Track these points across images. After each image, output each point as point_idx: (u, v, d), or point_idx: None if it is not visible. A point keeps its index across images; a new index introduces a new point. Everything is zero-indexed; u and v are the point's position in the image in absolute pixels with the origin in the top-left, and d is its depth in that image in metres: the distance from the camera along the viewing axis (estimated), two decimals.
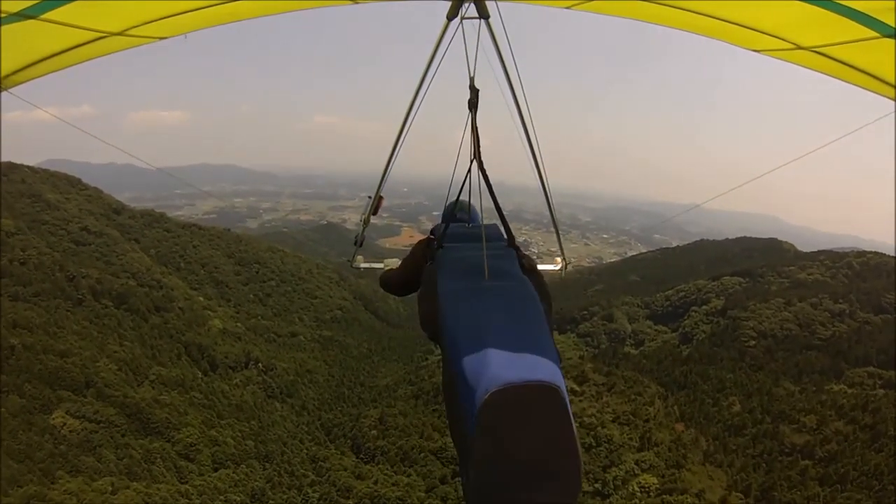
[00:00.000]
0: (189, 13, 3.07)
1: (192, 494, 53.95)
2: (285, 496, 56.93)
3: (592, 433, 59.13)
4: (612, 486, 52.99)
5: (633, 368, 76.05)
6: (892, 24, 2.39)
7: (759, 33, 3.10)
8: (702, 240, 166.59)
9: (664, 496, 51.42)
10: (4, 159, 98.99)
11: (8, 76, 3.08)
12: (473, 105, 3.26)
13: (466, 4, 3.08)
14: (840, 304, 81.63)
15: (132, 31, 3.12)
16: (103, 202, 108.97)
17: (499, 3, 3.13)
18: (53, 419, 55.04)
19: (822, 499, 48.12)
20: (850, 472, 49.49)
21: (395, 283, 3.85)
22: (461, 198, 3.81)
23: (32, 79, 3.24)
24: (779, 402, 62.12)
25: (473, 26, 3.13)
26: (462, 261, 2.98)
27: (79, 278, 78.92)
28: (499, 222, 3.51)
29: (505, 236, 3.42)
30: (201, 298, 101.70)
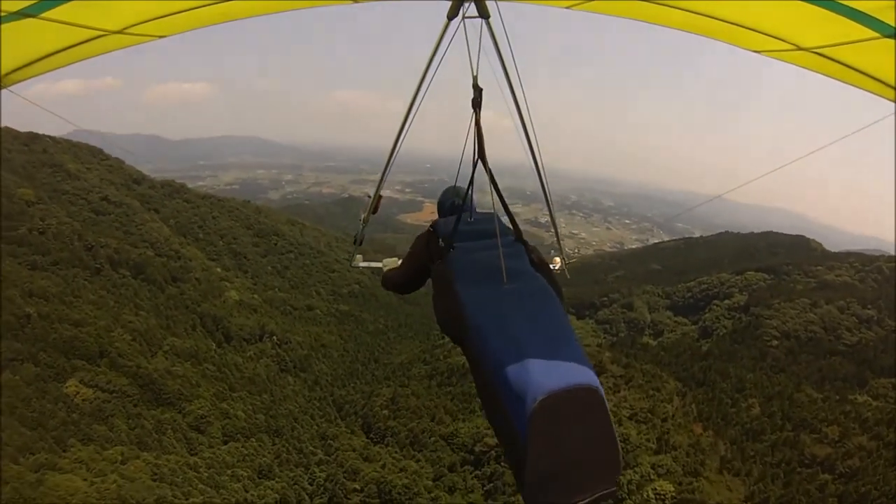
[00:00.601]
0: (187, 12, 3.12)
1: (201, 467, 54.96)
2: (292, 474, 57.58)
3: None
4: (625, 490, 51.67)
5: (652, 361, 74.50)
6: (893, 24, 2.40)
7: (759, 34, 3.13)
8: (726, 232, 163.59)
9: None
10: (29, 129, 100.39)
11: (8, 74, 3.15)
12: (477, 104, 3.29)
13: (467, 4, 3.10)
14: (868, 309, 78.67)
15: (131, 30, 3.16)
16: (124, 172, 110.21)
17: (499, 3, 3.15)
18: (67, 388, 56.37)
19: None
20: (871, 491, 47.11)
21: (399, 282, 3.89)
22: (457, 185, 3.94)
23: (33, 76, 3.30)
24: (800, 409, 60.11)
25: (475, 26, 3.14)
26: (477, 263, 3.01)
27: (97, 248, 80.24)
28: (505, 218, 3.58)
29: (511, 228, 3.49)
30: (219, 269, 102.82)
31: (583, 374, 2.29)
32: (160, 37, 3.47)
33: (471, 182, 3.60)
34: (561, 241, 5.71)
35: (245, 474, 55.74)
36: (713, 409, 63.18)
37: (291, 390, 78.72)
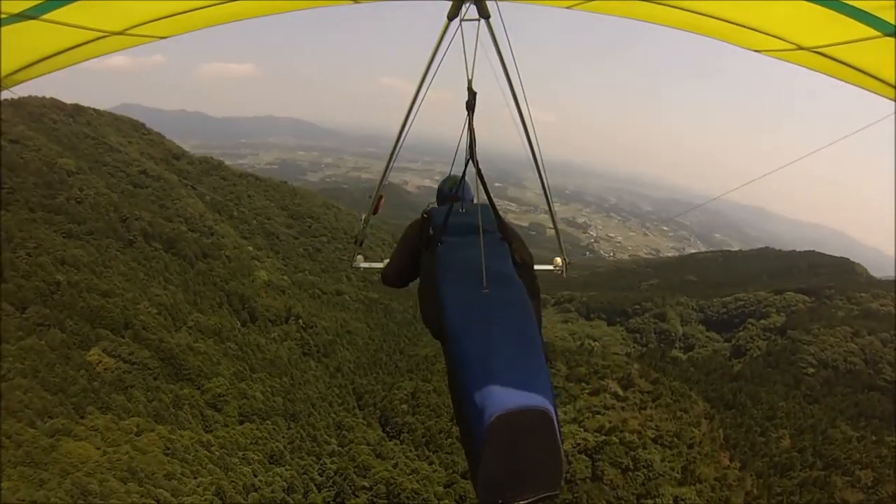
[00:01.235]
0: (189, 13, 3.15)
1: (213, 446, 55.21)
2: (303, 462, 57.17)
3: (632, 454, 55.61)
4: None
5: (680, 377, 72.70)
6: (893, 22, 2.42)
7: (759, 33, 3.16)
8: (766, 247, 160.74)
9: None
10: (74, 101, 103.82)
11: (9, 75, 3.19)
12: (471, 107, 3.33)
13: (467, 4, 3.12)
14: None
15: (132, 31, 3.18)
16: (164, 147, 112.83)
17: (499, 3, 3.16)
18: (90, 356, 57.60)
19: None
20: None
21: (394, 273, 3.88)
22: (453, 174, 4.02)
23: (34, 77, 3.34)
24: (833, 447, 56.77)
25: (474, 28, 3.20)
26: (460, 262, 3.14)
27: (132, 220, 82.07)
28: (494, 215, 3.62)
29: (496, 224, 3.50)
30: (250, 248, 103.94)
31: (537, 397, 2.46)
32: (161, 38, 3.53)
33: (463, 175, 3.71)
34: (561, 242, 5.57)
35: (256, 458, 55.67)
36: (741, 436, 60.69)
37: (312, 375, 78.64)
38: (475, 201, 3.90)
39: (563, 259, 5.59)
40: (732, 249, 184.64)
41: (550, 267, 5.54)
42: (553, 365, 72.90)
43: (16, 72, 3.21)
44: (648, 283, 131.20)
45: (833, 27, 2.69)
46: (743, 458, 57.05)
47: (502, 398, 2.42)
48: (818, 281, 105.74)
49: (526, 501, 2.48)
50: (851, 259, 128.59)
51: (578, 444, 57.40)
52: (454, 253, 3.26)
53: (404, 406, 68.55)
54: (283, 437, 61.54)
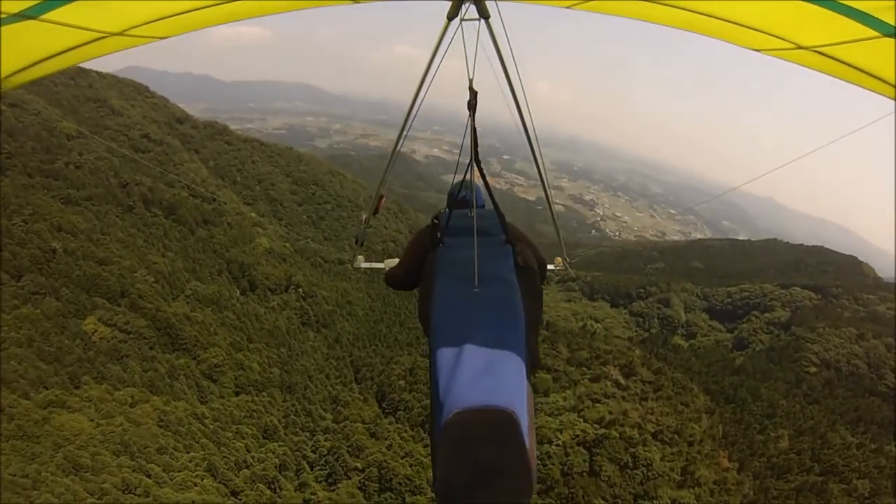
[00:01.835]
0: (189, 13, 3.15)
1: (207, 418, 55.35)
2: (297, 438, 57.24)
3: (631, 451, 55.11)
4: None
5: (682, 366, 71.89)
6: (892, 23, 2.44)
7: (759, 33, 3.16)
8: (775, 239, 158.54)
9: None
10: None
11: (8, 77, 3.15)
12: (472, 107, 3.35)
13: (467, 4, 3.14)
14: None
15: (131, 32, 3.18)
16: (168, 111, 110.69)
17: (499, 3, 3.21)
18: (86, 325, 57.36)
19: None
20: None
21: (400, 277, 3.86)
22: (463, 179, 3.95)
23: (33, 79, 3.33)
24: (831, 452, 55.78)
25: (474, 27, 3.25)
26: (458, 262, 3.12)
27: (132, 185, 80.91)
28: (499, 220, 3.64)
29: (502, 226, 3.49)
30: (253, 215, 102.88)
31: (504, 396, 2.34)
32: (161, 38, 3.51)
33: (463, 179, 3.72)
34: (562, 243, 5.58)
35: (250, 432, 55.82)
36: (740, 433, 59.97)
37: (310, 346, 78.53)
38: (486, 206, 3.95)
39: (564, 259, 5.56)
40: (740, 238, 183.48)
41: (551, 267, 5.54)
42: (555, 347, 72.68)
43: (15, 73, 3.17)
44: (654, 266, 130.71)
45: (833, 27, 2.70)
46: (741, 458, 56.49)
47: (463, 395, 2.32)
48: (825, 278, 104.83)
49: None
50: (860, 258, 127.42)
51: (577, 436, 57.06)
52: (452, 253, 3.27)
53: (402, 382, 68.33)
54: (279, 410, 61.65)
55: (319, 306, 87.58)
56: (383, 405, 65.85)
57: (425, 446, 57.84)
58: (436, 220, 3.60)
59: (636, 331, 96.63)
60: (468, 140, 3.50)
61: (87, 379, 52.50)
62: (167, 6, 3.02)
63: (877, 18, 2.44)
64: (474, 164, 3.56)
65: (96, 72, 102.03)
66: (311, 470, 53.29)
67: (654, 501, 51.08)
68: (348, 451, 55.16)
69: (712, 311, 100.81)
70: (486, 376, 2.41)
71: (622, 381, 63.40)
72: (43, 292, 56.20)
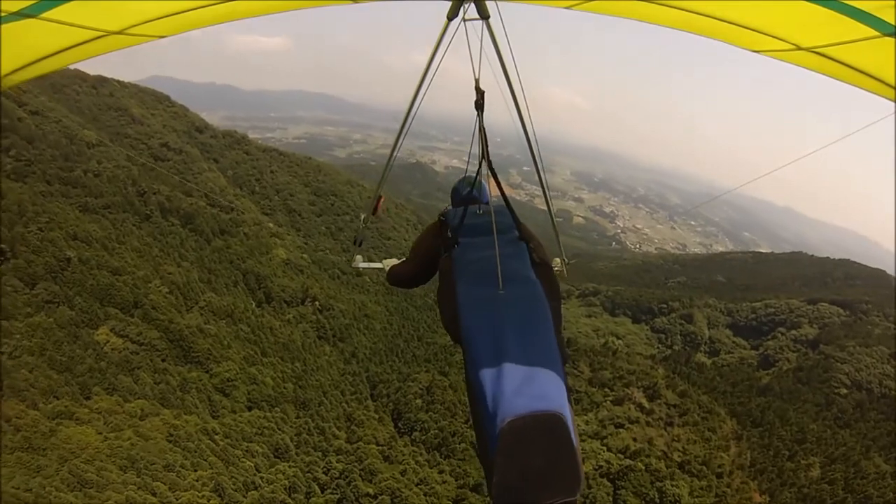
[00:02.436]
0: (189, 12, 3.18)
1: (218, 434, 54.74)
2: (308, 458, 56.15)
3: (658, 485, 52.77)
4: None
5: (706, 386, 70.83)
6: (892, 23, 2.45)
7: (758, 34, 3.18)
8: (799, 252, 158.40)
9: None
10: (99, 73, 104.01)
11: (7, 75, 3.19)
12: (480, 106, 3.43)
13: (467, 5, 3.18)
14: None
15: (131, 30, 3.21)
16: (188, 120, 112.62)
17: (499, 3, 3.24)
18: (98, 335, 57.57)
19: None
20: None
21: (406, 274, 3.93)
22: (468, 175, 4.11)
23: (33, 77, 3.36)
24: (865, 483, 52.71)
25: (476, 27, 3.29)
26: (478, 263, 3.17)
27: (149, 194, 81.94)
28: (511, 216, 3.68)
29: (514, 224, 3.55)
30: (271, 225, 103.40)
31: (552, 400, 2.47)
32: (160, 37, 3.54)
33: (477, 174, 3.85)
34: (560, 243, 5.49)
35: (260, 450, 54.97)
36: (769, 460, 57.70)
37: (326, 361, 77.82)
38: (490, 202, 3.92)
39: (563, 259, 5.56)
40: (762, 251, 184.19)
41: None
42: (576, 366, 70.94)
43: (15, 71, 3.20)
44: (675, 280, 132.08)
45: (832, 27, 2.72)
46: (771, 488, 53.85)
47: (514, 402, 2.43)
48: (853, 293, 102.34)
49: None
50: (888, 272, 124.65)
51: (601, 467, 55.09)
52: (470, 254, 3.28)
53: (418, 401, 67.04)
54: (291, 427, 60.79)
55: (336, 319, 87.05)
56: (399, 425, 64.57)
57: (440, 472, 56.33)
58: (443, 218, 3.62)
59: (658, 347, 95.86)
60: (480, 141, 3.60)
61: (97, 390, 52.49)
62: (167, 5, 3.04)
63: (876, 17, 2.42)
64: (486, 163, 3.65)
65: (118, 81, 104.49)
66: (322, 493, 51.96)
67: None
68: (361, 475, 53.76)
69: (736, 328, 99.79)
70: (530, 381, 2.50)
71: (646, 404, 61.66)
72: (56, 301, 56.64)
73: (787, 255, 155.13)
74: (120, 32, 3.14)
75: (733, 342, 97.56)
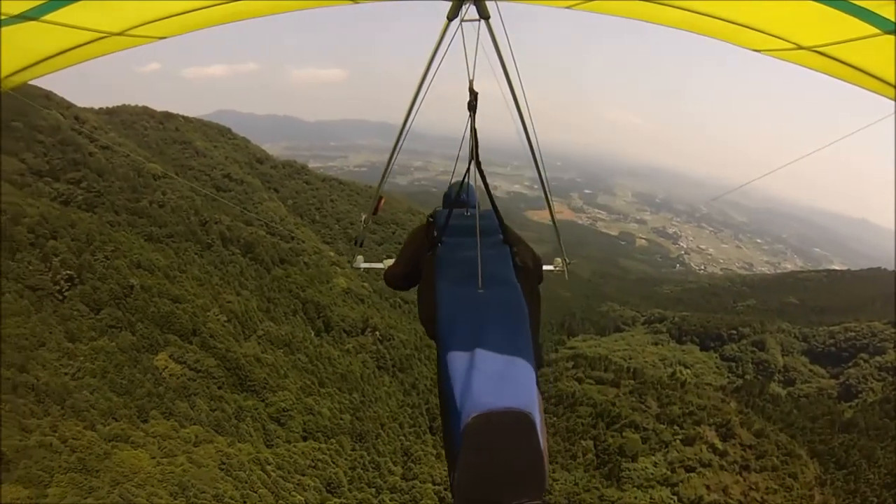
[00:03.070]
0: (188, 13, 3.27)
1: (270, 464, 55.14)
2: (360, 495, 55.37)
3: None
4: None
5: (782, 420, 67.44)
6: (893, 20, 2.50)
7: (759, 33, 3.25)
8: (878, 268, 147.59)
9: None
10: (168, 109, 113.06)
11: (8, 76, 3.30)
12: (472, 108, 3.60)
13: (467, 5, 3.26)
14: None
15: (132, 32, 3.32)
16: (249, 151, 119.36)
17: (499, 3, 3.32)
18: (157, 360, 60.38)
19: None
20: None
21: (397, 273, 4.06)
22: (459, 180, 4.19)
23: (33, 78, 3.50)
24: None
25: (474, 28, 3.40)
26: (459, 263, 3.30)
27: (211, 223, 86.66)
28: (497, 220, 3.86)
29: (499, 227, 3.73)
30: (331, 254, 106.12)
31: (519, 398, 2.50)
32: (160, 38, 3.63)
33: (465, 176, 3.90)
34: (561, 243, 5.74)
35: (312, 484, 54.72)
36: None
37: (385, 392, 77.51)
38: (479, 206, 4.14)
39: (564, 259, 5.65)
40: (836, 268, 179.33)
41: (551, 267, 5.57)
42: (643, 400, 68.73)
43: (16, 73, 3.31)
44: (744, 303, 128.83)
45: (833, 25, 2.75)
46: None
47: (481, 397, 2.46)
48: None
49: None
50: None
51: None
52: (453, 254, 3.43)
53: None
54: (345, 460, 60.37)
55: (396, 350, 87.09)
56: None
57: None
58: (431, 219, 3.83)
59: (729, 377, 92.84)
60: (471, 143, 3.79)
61: (154, 413, 54.67)
62: (167, 6, 3.13)
63: (877, 14, 2.46)
64: (474, 165, 3.80)
65: (183, 116, 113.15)
66: None
67: None
68: None
69: (813, 354, 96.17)
70: (500, 379, 2.56)
71: (719, 444, 57.82)
72: (119, 326, 60.15)
73: (866, 271, 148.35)
74: (121, 34, 3.27)
75: (810, 370, 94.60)
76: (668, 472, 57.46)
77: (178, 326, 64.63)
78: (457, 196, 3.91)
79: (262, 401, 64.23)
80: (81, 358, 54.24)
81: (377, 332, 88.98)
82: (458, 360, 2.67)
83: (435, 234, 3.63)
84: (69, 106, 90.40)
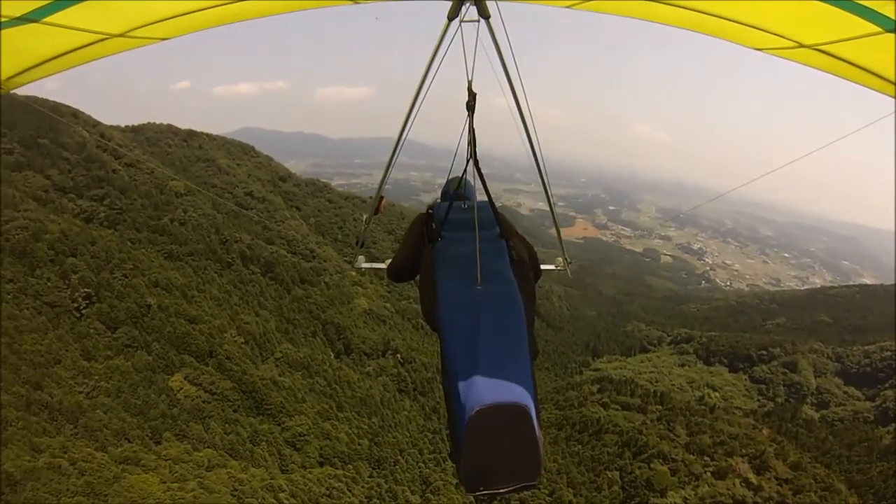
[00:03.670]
0: (189, 14, 3.35)
1: (284, 491, 54.78)
2: None
3: None
4: None
5: (818, 449, 66.92)
6: (894, 18, 2.56)
7: (761, 32, 3.34)
8: None
9: None
10: (196, 126, 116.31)
11: (9, 78, 3.38)
12: (471, 108, 3.77)
13: (467, 5, 3.35)
14: None
15: (133, 33, 3.39)
16: (272, 169, 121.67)
17: (499, 3, 3.38)
18: (172, 381, 61.21)
19: None
20: None
21: (398, 268, 4.25)
22: (457, 175, 4.51)
23: (34, 80, 3.55)
24: None
25: (474, 29, 3.50)
26: (459, 259, 3.51)
27: (231, 242, 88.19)
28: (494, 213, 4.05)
29: (496, 221, 3.90)
30: (353, 273, 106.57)
31: (517, 391, 2.76)
32: (161, 39, 3.69)
33: (463, 173, 4.22)
34: (562, 243, 5.97)
35: None
36: None
37: (405, 416, 76.86)
38: (477, 200, 4.31)
39: (565, 259, 5.97)
40: (868, 282, 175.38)
41: (552, 266, 5.86)
42: (672, 428, 67.41)
43: (17, 75, 3.38)
44: (774, 322, 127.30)
45: (834, 24, 2.82)
46: None
47: (482, 393, 2.72)
48: None
49: (505, 490, 2.79)
50: None
51: None
52: (452, 248, 3.62)
53: None
54: (362, 488, 59.66)
55: (418, 373, 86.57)
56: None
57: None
58: (430, 211, 4.02)
59: (759, 400, 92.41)
60: (469, 142, 4.00)
61: (168, 435, 55.22)
62: (168, 8, 3.22)
63: (878, 13, 2.53)
64: (473, 163, 4.04)
65: (207, 134, 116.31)
66: None
67: None
68: None
69: (847, 375, 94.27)
70: (500, 375, 2.80)
71: (753, 479, 55.76)
72: (135, 346, 61.33)
73: None
74: (122, 35, 3.34)
75: (845, 392, 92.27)
76: None
77: (195, 347, 65.53)
78: (455, 190, 4.21)
79: (279, 424, 64.33)
80: (96, 377, 55.38)
81: (398, 355, 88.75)
82: (459, 355, 2.94)
83: (434, 227, 3.82)
84: (95, 124, 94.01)
